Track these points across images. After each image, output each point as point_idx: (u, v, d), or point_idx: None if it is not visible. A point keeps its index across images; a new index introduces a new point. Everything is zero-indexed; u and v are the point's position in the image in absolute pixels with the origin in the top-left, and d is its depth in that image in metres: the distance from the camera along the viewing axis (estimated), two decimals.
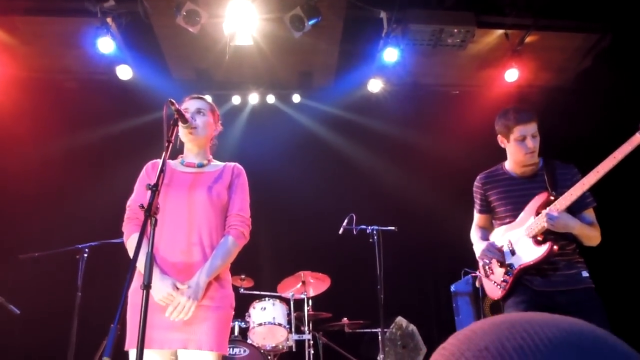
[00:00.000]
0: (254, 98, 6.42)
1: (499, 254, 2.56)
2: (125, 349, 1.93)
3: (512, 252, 2.53)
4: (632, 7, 5.04)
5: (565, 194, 2.38)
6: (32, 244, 4.36)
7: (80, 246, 4.02)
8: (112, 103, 5.88)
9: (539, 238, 2.44)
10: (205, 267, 1.98)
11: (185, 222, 2.05)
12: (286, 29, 4.96)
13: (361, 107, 6.35)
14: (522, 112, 2.54)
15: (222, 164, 2.34)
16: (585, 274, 2.47)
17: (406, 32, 5.23)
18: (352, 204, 4.91)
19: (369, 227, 4.50)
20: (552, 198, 2.44)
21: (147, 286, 1.63)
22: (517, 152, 2.56)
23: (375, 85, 5.99)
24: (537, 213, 2.47)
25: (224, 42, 5.24)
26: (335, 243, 4.93)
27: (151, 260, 1.68)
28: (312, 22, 4.85)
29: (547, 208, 2.42)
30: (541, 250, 2.41)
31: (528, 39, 5.52)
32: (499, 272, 2.58)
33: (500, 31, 5.52)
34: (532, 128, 2.51)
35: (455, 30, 5.17)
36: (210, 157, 2.35)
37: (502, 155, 2.74)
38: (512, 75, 5.73)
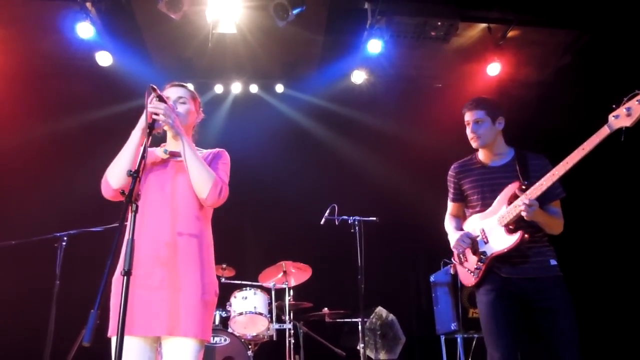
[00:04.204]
0: (236, 87, 6.37)
1: (471, 244, 2.65)
2: (108, 335, 1.93)
3: (485, 241, 2.61)
4: (609, 7, 5.15)
5: (537, 183, 2.45)
6: (10, 231, 4.28)
7: (58, 234, 3.97)
8: (91, 90, 5.77)
9: (510, 227, 2.52)
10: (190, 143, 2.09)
11: (169, 212, 2.04)
12: (270, 18, 4.93)
13: (344, 98, 6.36)
14: (471, 100, 2.72)
15: (206, 151, 2.33)
16: (553, 262, 2.55)
17: (390, 24, 5.24)
18: (334, 194, 4.92)
19: (351, 218, 4.53)
20: (523, 187, 2.51)
21: (127, 272, 1.62)
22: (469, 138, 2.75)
23: (358, 77, 6.00)
24: (509, 202, 2.54)
25: (207, 30, 5.18)
26: (317, 233, 4.95)
27: (132, 247, 1.67)
28: (296, 11, 4.82)
29: (522, 196, 2.48)
30: (513, 239, 2.49)
31: (510, 34, 5.59)
32: (472, 260, 2.66)
33: (483, 25, 5.58)
34: (474, 115, 2.67)
35: (439, 23, 5.20)
36: (193, 145, 2.33)
37: None
38: (494, 69, 5.81)
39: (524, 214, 2.42)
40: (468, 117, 2.69)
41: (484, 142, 2.66)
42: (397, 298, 6.07)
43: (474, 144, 2.70)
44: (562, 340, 2.36)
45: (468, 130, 2.71)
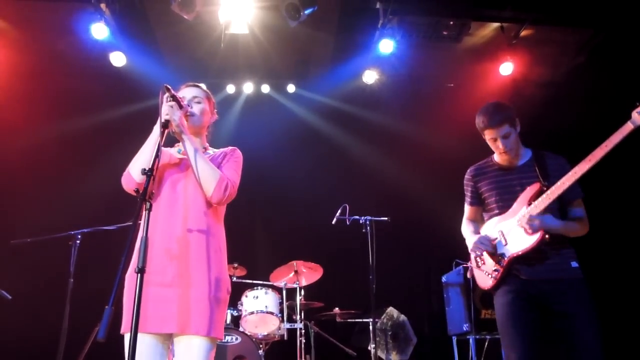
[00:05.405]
0: (248, 87, 6.41)
1: (490, 246, 2.59)
2: (121, 332, 1.94)
3: (504, 242, 2.56)
4: (623, 5, 5.08)
5: (558, 183, 2.40)
6: (25, 229, 4.34)
7: (73, 232, 4.01)
8: (105, 90, 5.83)
9: None
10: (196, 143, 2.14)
11: (180, 210, 2.06)
12: (282, 18, 4.94)
13: (356, 98, 6.36)
14: (491, 115, 2.56)
15: (219, 150, 2.34)
16: (574, 264, 2.48)
17: (402, 24, 5.23)
18: (346, 194, 4.92)
19: (362, 218, 4.52)
20: (544, 188, 2.47)
21: (141, 270, 1.63)
22: (493, 150, 2.68)
23: (370, 76, 5.99)
24: (529, 203, 2.50)
25: (219, 30, 5.21)
26: (328, 233, 4.94)
27: (146, 244, 1.68)
28: (308, 11, 4.83)
29: (530, 206, 2.46)
30: (532, 239, 2.44)
31: (523, 33, 5.54)
32: (490, 263, 2.61)
33: (496, 24, 5.54)
34: (502, 130, 2.54)
35: (451, 23, 5.17)
36: (207, 144, 2.36)
37: None
38: (506, 68, 5.76)
39: (527, 228, 2.41)
40: (494, 133, 2.56)
41: (514, 152, 2.61)
42: (409, 298, 6.05)
43: (504, 157, 2.62)
44: (583, 351, 2.28)
45: (496, 146, 2.60)
